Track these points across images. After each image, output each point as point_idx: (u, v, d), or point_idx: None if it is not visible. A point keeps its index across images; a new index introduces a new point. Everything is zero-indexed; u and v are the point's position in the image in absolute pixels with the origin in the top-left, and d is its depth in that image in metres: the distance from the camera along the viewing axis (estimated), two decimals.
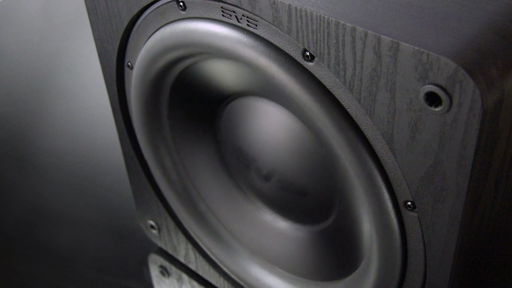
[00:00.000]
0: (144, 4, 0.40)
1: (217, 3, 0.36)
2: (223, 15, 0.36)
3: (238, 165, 0.46)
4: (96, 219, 0.62)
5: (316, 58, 0.32)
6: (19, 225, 0.62)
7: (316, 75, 0.33)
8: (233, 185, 0.48)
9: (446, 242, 0.33)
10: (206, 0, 0.36)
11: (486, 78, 0.27)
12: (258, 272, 0.47)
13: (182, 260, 0.55)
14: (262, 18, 0.34)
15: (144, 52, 0.41)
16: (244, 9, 0.34)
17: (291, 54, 0.34)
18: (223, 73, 0.41)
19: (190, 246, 0.53)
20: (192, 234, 0.51)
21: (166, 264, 0.57)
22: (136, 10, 0.41)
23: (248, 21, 0.35)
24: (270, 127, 0.42)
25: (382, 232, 0.35)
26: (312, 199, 0.43)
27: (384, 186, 0.33)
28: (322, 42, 0.31)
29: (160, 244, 0.57)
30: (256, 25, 0.34)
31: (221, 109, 0.44)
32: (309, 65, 0.33)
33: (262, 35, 0.34)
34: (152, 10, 0.40)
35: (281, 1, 0.32)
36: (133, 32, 0.43)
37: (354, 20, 0.30)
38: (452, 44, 0.27)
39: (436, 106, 0.28)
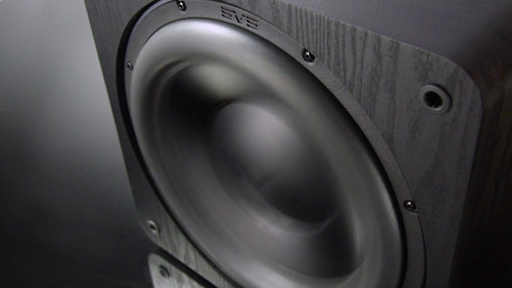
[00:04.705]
0: (144, 4, 0.40)
1: (217, 3, 0.36)
2: (223, 15, 0.36)
3: (241, 164, 0.46)
4: (96, 219, 0.62)
5: (316, 58, 0.32)
6: (19, 225, 0.62)
7: (316, 75, 0.33)
8: (234, 184, 0.48)
9: (446, 242, 0.33)
10: (206, 0, 0.36)
11: (486, 78, 0.27)
12: (259, 270, 0.48)
13: (182, 260, 0.55)
14: (262, 18, 0.34)
15: (144, 52, 0.41)
16: (244, 9, 0.34)
17: (291, 54, 0.34)
18: (223, 73, 0.41)
19: (190, 246, 0.53)
20: (192, 234, 0.51)
21: (166, 264, 0.57)
22: (136, 10, 0.41)
23: (248, 21, 0.35)
24: (272, 127, 0.42)
25: (382, 232, 0.35)
26: (314, 197, 0.43)
27: (384, 186, 0.33)
28: (322, 42, 0.31)
29: (160, 244, 0.57)
30: (256, 25, 0.34)
31: (223, 109, 0.44)
32: (309, 65, 0.33)
33: (262, 35, 0.34)
34: (152, 10, 0.40)
35: (281, 1, 0.32)
36: (133, 32, 0.43)
37: (354, 20, 0.30)
38: (452, 44, 0.27)
39: (436, 106, 0.28)
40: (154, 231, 0.56)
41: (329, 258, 0.44)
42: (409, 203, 0.33)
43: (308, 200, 0.43)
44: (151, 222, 0.55)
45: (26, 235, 0.61)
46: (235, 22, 0.35)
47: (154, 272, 0.57)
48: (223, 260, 0.49)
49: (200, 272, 0.54)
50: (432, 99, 0.28)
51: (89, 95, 0.80)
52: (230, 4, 0.35)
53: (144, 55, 0.41)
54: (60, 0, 1.02)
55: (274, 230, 0.47)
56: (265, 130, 0.43)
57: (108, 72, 0.47)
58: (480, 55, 0.27)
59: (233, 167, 0.47)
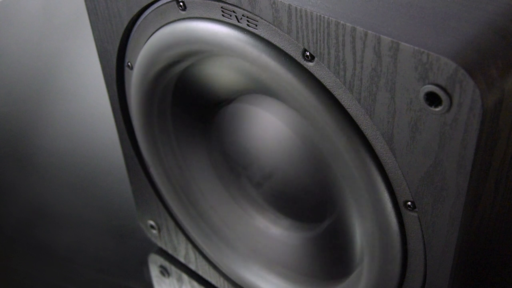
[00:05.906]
0: (144, 4, 0.40)
1: (217, 3, 0.36)
2: (223, 15, 0.36)
3: (241, 164, 0.46)
4: (96, 219, 0.62)
5: (316, 58, 0.32)
6: (19, 225, 0.62)
7: (316, 75, 0.33)
8: (234, 184, 0.48)
9: (446, 242, 0.33)
10: (206, 0, 0.36)
11: (486, 78, 0.27)
12: (258, 271, 0.47)
13: (182, 260, 0.55)
14: (262, 18, 0.34)
15: (144, 52, 0.41)
16: (244, 9, 0.34)
17: (291, 54, 0.34)
18: (223, 73, 0.41)
19: (190, 246, 0.53)
20: (192, 234, 0.51)
21: (166, 264, 0.57)
22: (136, 10, 0.41)
23: (248, 21, 0.35)
24: (271, 127, 0.42)
25: (382, 232, 0.35)
26: (313, 198, 0.43)
27: (384, 186, 0.33)
28: (322, 42, 0.31)
29: (160, 244, 0.57)
30: (256, 25, 0.34)
31: (223, 108, 0.44)
32: (309, 65, 0.33)
33: (262, 35, 0.34)
34: (152, 10, 0.40)
35: (281, 1, 0.32)
36: (133, 32, 0.43)
37: (354, 20, 0.30)
38: (452, 44, 0.27)
39: (436, 106, 0.28)
40: (154, 231, 0.56)
41: (328, 259, 0.44)
42: (409, 203, 0.33)
43: (307, 201, 0.43)
44: (151, 222, 0.55)
45: (26, 235, 0.61)
46: (235, 22, 0.35)
47: (154, 272, 0.57)
48: (222, 261, 0.49)
49: (200, 272, 0.54)
50: (432, 99, 0.28)
51: (89, 95, 0.80)
52: (230, 4, 0.35)
53: (144, 55, 0.41)
54: (60, 0, 1.02)
55: (273, 231, 0.47)
56: (265, 130, 0.43)
57: (108, 72, 0.47)
58: (480, 55, 0.27)
59: (233, 167, 0.47)
